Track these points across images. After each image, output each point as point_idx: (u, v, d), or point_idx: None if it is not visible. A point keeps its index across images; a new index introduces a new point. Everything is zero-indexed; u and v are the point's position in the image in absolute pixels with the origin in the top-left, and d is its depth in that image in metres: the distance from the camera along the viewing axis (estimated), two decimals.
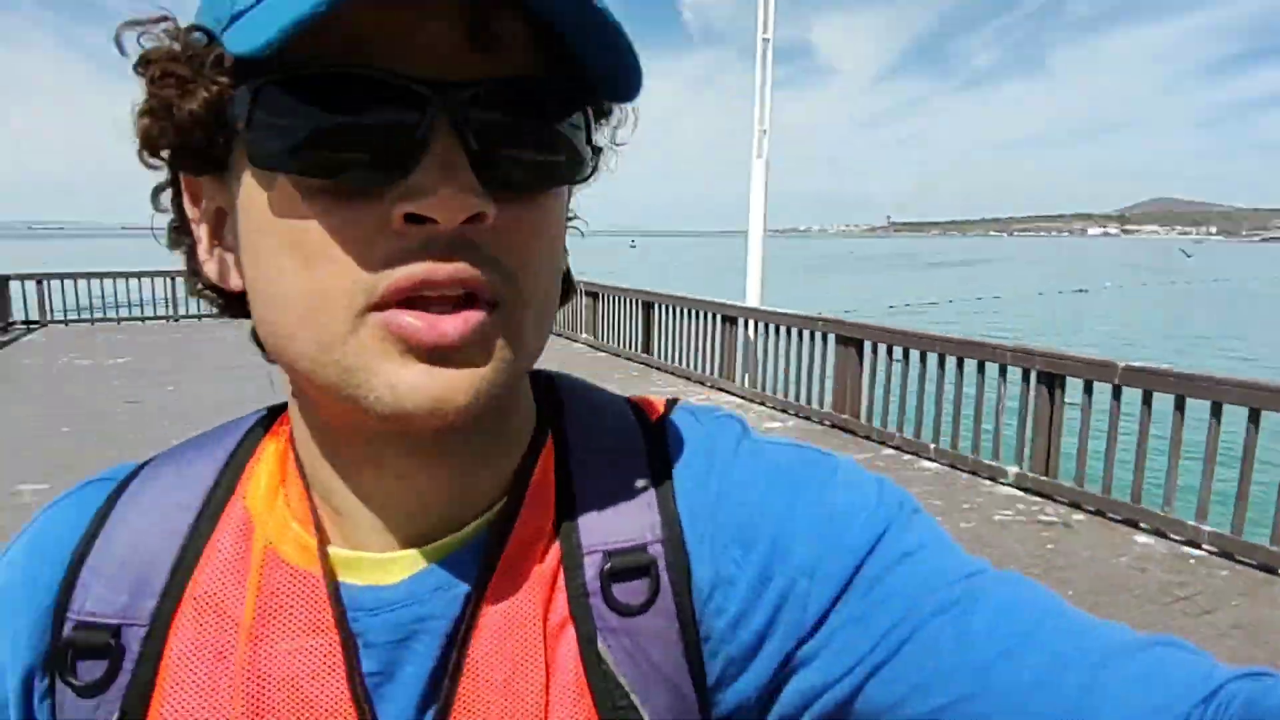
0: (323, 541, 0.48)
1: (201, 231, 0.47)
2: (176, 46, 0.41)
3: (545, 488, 0.50)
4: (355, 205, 0.39)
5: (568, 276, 0.51)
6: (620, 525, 0.49)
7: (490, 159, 0.40)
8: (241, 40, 0.38)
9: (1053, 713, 0.41)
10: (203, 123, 0.41)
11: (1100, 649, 0.43)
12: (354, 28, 0.38)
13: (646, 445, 0.51)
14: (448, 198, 0.38)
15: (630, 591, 0.48)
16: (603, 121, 0.47)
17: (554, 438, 0.51)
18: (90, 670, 0.47)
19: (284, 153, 0.39)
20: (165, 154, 0.44)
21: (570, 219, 0.50)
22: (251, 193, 0.41)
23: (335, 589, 0.47)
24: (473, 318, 0.40)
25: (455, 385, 0.40)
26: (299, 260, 0.40)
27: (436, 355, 0.40)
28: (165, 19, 0.42)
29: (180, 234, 0.48)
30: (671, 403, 0.55)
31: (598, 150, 0.47)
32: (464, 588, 0.47)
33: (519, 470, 0.50)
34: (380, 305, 0.39)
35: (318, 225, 0.40)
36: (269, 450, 0.52)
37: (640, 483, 0.50)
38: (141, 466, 0.53)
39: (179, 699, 0.47)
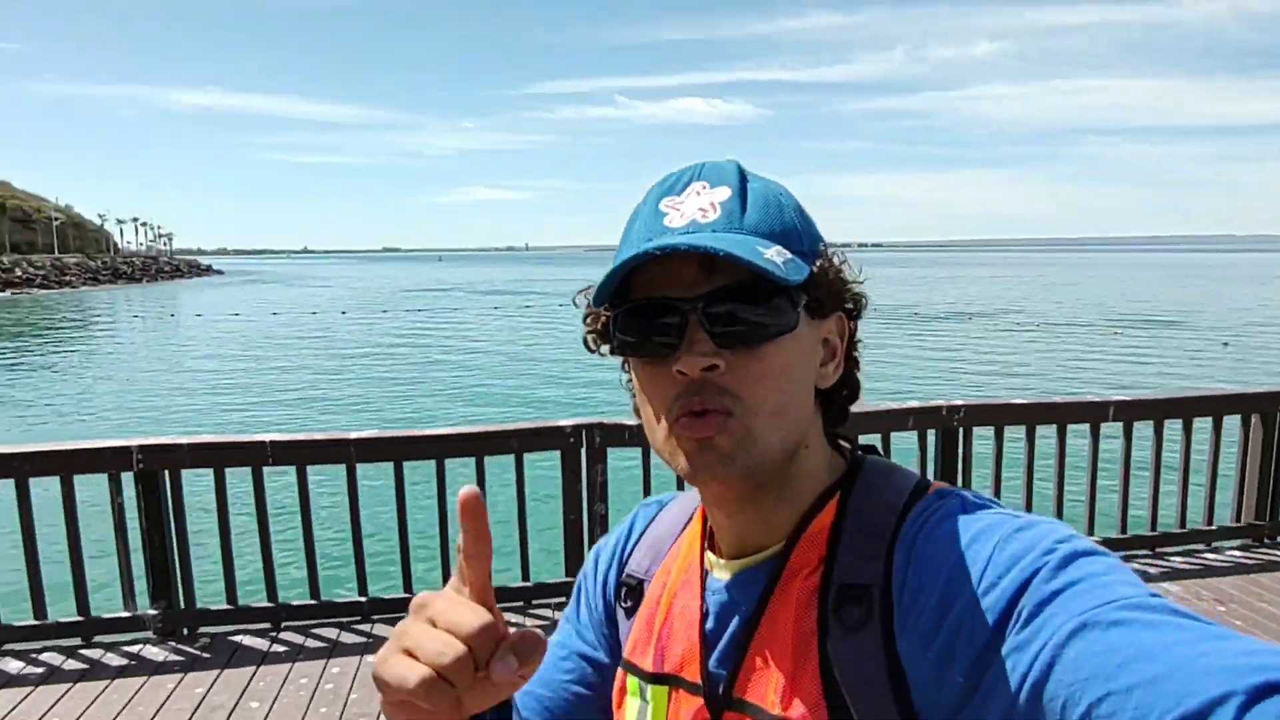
0: (703, 548, 0.79)
1: (631, 381, 0.75)
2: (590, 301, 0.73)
3: (819, 534, 0.70)
4: (658, 368, 0.68)
5: (846, 384, 0.76)
6: (859, 568, 0.66)
7: (718, 331, 0.65)
8: (595, 298, 0.70)
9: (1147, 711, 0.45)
10: (603, 333, 0.74)
11: (1212, 653, 0.46)
12: (648, 277, 0.67)
13: (899, 515, 0.68)
14: (689, 359, 0.65)
15: (854, 615, 0.64)
16: (803, 293, 0.68)
17: (840, 501, 0.71)
18: (629, 598, 0.84)
19: (624, 344, 0.70)
20: (604, 349, 0.75)
21: (855, 342, 0.76)
22: (630, 365, 0.73)
23: (703, 575, 0.77)
24: (714, 420, 0.65)
25: (712, 460, 0.66)
26: (644, 400, 0.71)
27: (703, 444, 0.66)
28: (592, 285, 0.72)
29: (630, 383, 0.76)
30: (943, 489, 0.70)
31: (826, 296, 0.71)
32: (759, 588, 0.71)
33: (801, 520, 0.71)
34: (677, 420, 0.67)
35: (646, 381, 0.70)
36: None
37: (881, 541, 0.67)
38: (676, 496, 0.89)
39: (639, 621, 0.81)
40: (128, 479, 3.98)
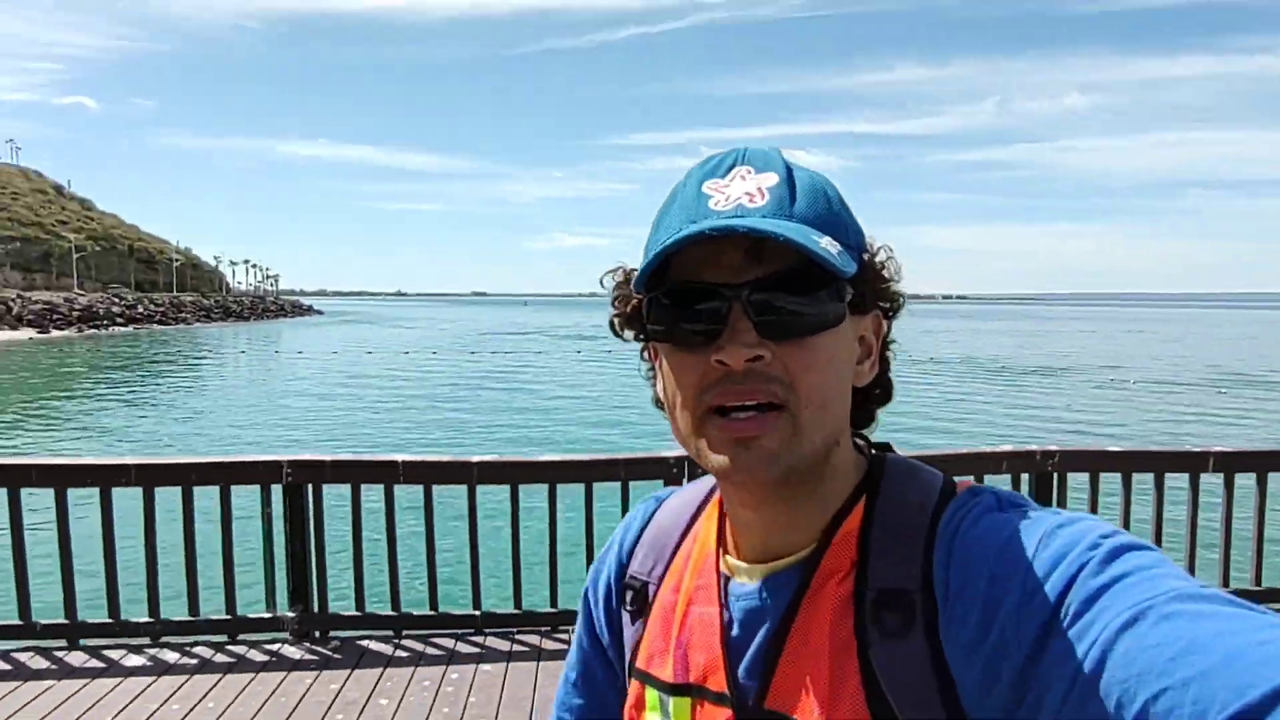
0: (720, 551, 0.74)
1: (653, 370, 0.73)
2: (623, 280, 0.72)
3: (850, 537, 0.67)
4: (695, 357, 0.64)
5: (881, 382, 0.73)
6: (896, 572, 0.63)
7: (764, 322, 0.62)
8: (637, 281, 0.67)
9: (1200, 706, 0.44)
10: (633, 317, 0.71)
11: (1270, 641, 0.45)
12: (688, 261, 0.64)
13: (931, 517, 0.65)
14: (733, 350, 0.62)
15: (894, 620, 0.62)
16: (850, 287, 0.65)
17: (868, 502, 0.68)
18: (634, 602, 0.80)
19: (660, 331, 0.67)
20: (629, 333, 0.72)
21: (889, 343, 0.73)
22: (659, 350, 0.69)
23: (723, 580, 0.73)
24: (763, 418, 0.62)
25: (755, 460, 0.63)
26: (671, 387, 0.67)
27: (744, 443, 0.63)
28: (621, 267, 0.74)
29: (651, 370, 0.74)
30: (974, 487, 0.68)
31: (870, 291, 0.68)
32: (789, 593, 0.68)
33: (831, 522, 0.68)
34: (710, 411, 0.64)
35: (676, 369, 0.66)
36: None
37: (916, 543, 0.64)
38: (673, 491, 0.85)
39: (653, 629, 0.76)
40: (276, 491, 4.42)
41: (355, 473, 4.46)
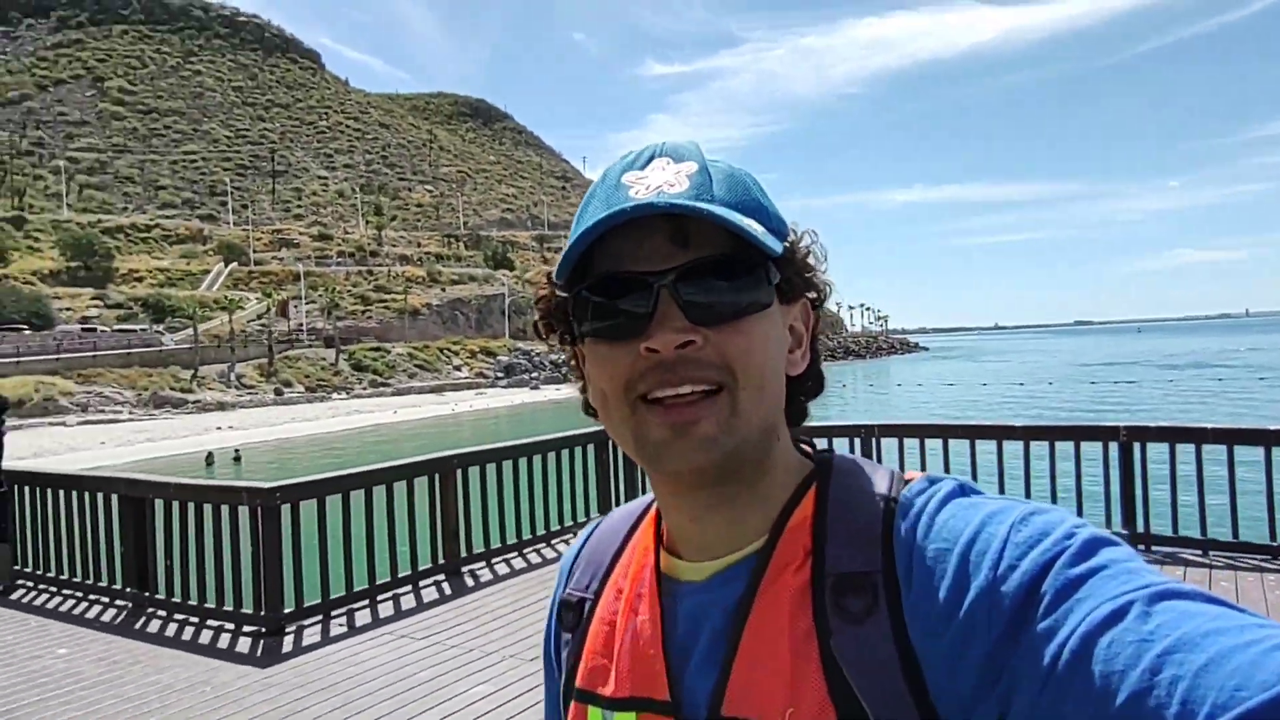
0: (661, 551, 0.72)
1: (583, 376, 0.71)
2: (545, 281, 0.72)
3: (803, 527, 0.65)
4: (624, 348, 0.64)
5: (813, 372, 0.72)
6: (854, 556, 0.62)
7: (692, 307, 0.62)
8: (558, 275, 0.66)
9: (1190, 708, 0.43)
10: (556, 314, 0.70)
11: (1260, 640, 0.45)
12: (612, 253, 0.64)
13: (884, 504, 0.64)
14: (662, 337, 0.62)
15: (856, 604, 0.60)
16: (777, 271, 0.65)
17: (818, 494, 0.67)
18: (571, 620, 0.77)
19: (587, 326, 0.66)
20: (555, 337, 0.71)
21: (820, 331, 0.73)
22: (587, 348, 0.68)
23: (666, 582, 0.71)
24: (701, 402, 0.62)
25: (690, 446, 0.62)
26: (602, 382, 0.66)
27: (680, 429, 0.62)
28: (544, 269, 0.73)
29: (580, 377, 0.72)
30: (931, 476, 0.66)
31: (796, 277, 0.68)
32: (740, 588, 0.65)
33: (781, 515, 0.67)
34: (641, 400, 0.63)
35: (605, 360, 0.65)
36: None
37: (872, 529, 0.63)
38: (626, 505, 0.84)
39: (592, 640, 0.74)
40: None
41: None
